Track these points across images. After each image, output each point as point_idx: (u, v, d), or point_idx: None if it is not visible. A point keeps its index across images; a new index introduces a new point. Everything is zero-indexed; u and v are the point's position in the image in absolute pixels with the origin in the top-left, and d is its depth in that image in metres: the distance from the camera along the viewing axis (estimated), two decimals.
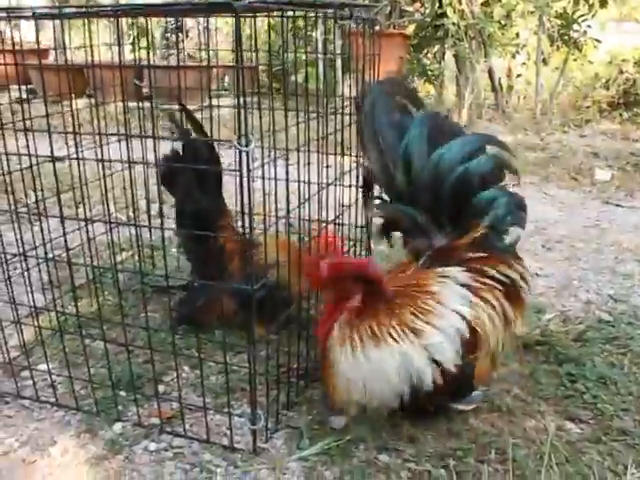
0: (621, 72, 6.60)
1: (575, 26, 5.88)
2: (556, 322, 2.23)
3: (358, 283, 1.53)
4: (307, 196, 1.62)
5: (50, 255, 1.90)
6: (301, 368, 1.77)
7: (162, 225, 1.55)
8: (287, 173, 1.58)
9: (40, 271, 2.08)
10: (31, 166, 1.76)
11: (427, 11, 6.01)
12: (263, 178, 1.55)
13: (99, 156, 1.86)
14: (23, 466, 1.52)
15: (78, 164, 1.91)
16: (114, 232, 2.24)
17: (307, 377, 1.81)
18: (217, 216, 2.10)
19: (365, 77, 1.83)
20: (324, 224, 1.77)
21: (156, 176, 2.06)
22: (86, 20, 1.91)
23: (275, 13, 1.91)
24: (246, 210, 1.33)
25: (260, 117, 1.46)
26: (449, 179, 1.61)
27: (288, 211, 1.60)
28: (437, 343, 1.49)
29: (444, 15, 5.72)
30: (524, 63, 6.64)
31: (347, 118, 1.90)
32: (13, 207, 1.73)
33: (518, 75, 6.70)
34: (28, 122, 1.74)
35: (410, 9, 6.35)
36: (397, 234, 1.78)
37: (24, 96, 2.07)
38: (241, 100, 1.29)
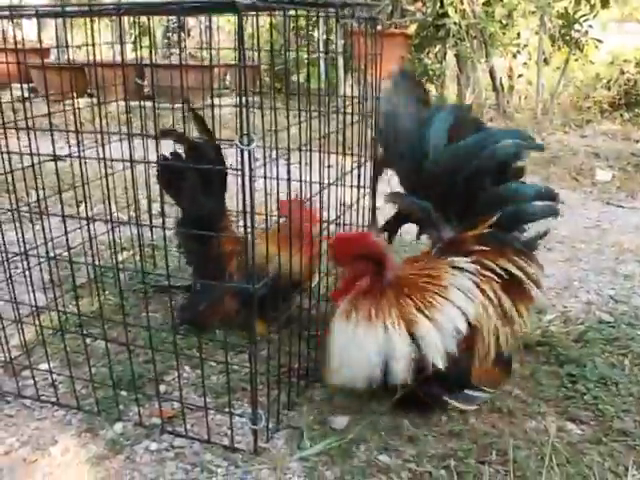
0: (622, 72, 6.59)
1: (576, 26, 5.86)
2: (557, 323, 2.23)
3: (369, 263, 1.58)
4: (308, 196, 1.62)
5: (51, 254, 1.90)
6: (302, 368, 1.77)
7: (163, 224, 1.55)
8: (289, 172, 1.59)
9: (41, 270, 2.07)
10: (32, 165, 1.76)
11: (428, 11, 6.01)
12: (265, 177, 1.54)
13: (100, 155, 1.86)
14: (24, 465, 1.52)
15: (80, 163, 1.91)
16: (115, 231, 2.24)
17: (308, 377, 1.81)
18: (219, 218, 2.09)
19: (367, 77, 1.83)
20: (325, 224, 1.77)
21: (156, 177, 2.06)
22: (88, 19, 1.90)
23: (277, 12, 1.91)
24: (248, 209, 1.33)
25: (262, 116, 1.45)
26: (467, 169, 1.65)
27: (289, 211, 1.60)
28: (426, 336, 1.52)
29: (445, 15, 5.72)
30: (525, 63, 6.63)
31: (349, 118, 1.89)
32: (14, 206, 1.72)
33: (519, 75, 6.68)
34: (30, 121, 1.74)
35: (411, 9, 6.34)
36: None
37: (25, 95, 2.06)
38: (243, 99, 1.29)
